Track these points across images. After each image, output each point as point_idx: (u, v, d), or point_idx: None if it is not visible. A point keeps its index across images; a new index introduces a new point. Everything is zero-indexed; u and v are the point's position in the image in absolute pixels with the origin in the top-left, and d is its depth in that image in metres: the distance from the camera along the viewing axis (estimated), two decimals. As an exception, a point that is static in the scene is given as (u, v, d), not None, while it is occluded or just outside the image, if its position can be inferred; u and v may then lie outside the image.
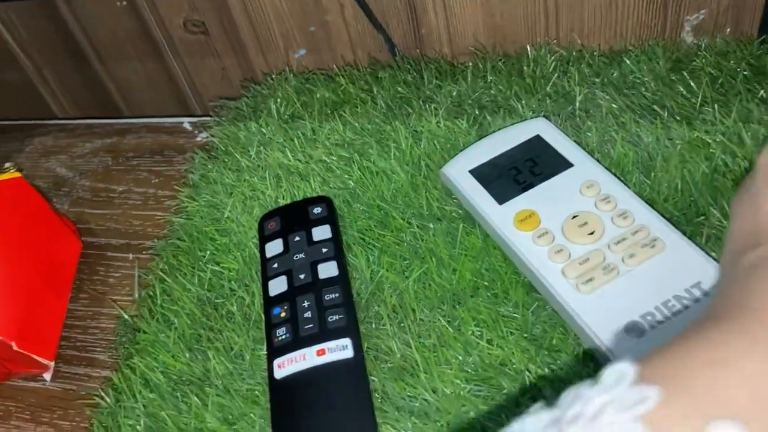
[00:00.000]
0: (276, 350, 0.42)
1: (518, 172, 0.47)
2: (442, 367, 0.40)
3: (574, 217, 0.43)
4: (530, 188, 0.45)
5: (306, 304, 0.43)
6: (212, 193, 0.54)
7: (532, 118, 0.51)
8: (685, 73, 0.51)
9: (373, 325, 0.43)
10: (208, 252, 0.50)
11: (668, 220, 0.41)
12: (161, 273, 0.50)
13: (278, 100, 0.60)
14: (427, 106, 0.55)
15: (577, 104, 0.51)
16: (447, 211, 0.48)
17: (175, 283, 0.48)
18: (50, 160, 0.68)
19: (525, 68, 0.56)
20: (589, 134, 0.49)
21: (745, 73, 0.49)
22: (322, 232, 0.48)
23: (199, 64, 0.67)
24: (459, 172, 0.48)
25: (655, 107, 0.49)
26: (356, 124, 0.55)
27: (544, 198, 0.45)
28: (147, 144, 0.66)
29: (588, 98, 0.52)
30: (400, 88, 0.57)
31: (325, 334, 0.42)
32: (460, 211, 0.47)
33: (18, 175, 0.54)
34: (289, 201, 0.52)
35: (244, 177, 0.54)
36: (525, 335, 0.40)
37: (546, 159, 0.47)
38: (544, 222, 0.43)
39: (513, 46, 0.59)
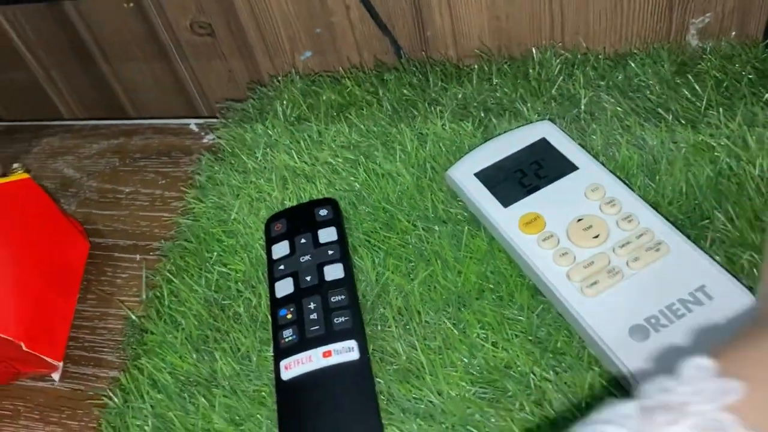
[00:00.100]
0: (282, 352, 0.42)
1: (523, 175, 0.47)
2: (448, 369, 0.40)
3: (579, 220, 0.43)
4: (535, 191, 0.46)
5: (312, 305, 0.44)
6: (219, 195, 0.54)
7: (537, 121, 0.51)
8: (690, 77, 0.51)
9: (379, 327, 0.43)
10: (215, 253, 0.50)
11: (673, 223, 0.42)
12: (168, 274, 0.50)
13: (284, 102, 0.60)
14: (432, 108, 0.55)
15: (582, 107, 0.52)
16: (452, 213, 0.48)
17: (182, 284, 0.49)
18: (57, 160, 0.68)
19: (530, 71, 0.56)
20: (594, 137, 0.49)
21: (750, 76, 0.50)
22: (328, 234, 0.48)
23: (206, 66, 0.67)
24: (464, 174, 0.48)
25: (660, 110, 0.49)
26: (362, 127, 0.56)
27: (549, 201, 0.45)
28: (154, 145, 0.66)
29: (593, 101, 0.52)
30: (405, 91, 0.58)
31: (331, 335, 0.42)
32: (466, 214, 0.48)
33: (26, 176, 0.55)
34: (295, 203, 0.52)
35: (250, 179, 0.55)
36: (530, 338, 0.40)
37: (551, 162, 0.47)
38: (549, 225, 0.43)
39: (518, 48, 0.59)
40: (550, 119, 0.51)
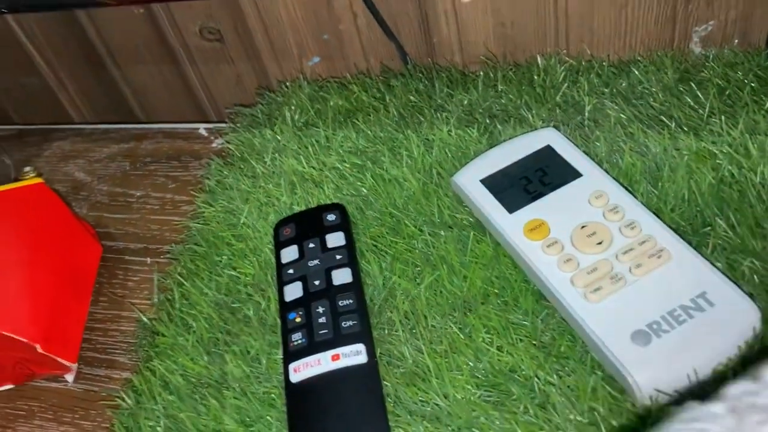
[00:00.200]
0: (292, 354, 0.43)
1: (528, 182, 0.48)
2: (454, 373, 0.41)
3: (583, 227, 0.44)
4: (540, 198, 0.46)
5: (321, 309, 0.45)
6: (228, 199, 0.55)
7: (541, 127, 0.52)
8: (693, 84, 0.52)
9: (386, 331, 0.44)
10: (225, 257, 0.51)
11: (675, 230, 0.42)
12: (179, 277, 0.51)
13: (292, 107, 0.61)
14: (438, 114, 0.56)
15: (586, 114, 0.52)
16: (458, 218, 0.49)
17: (192, 287, 0.50)
18: (68, 164, 0.69)
19: (535, 78, 0.57)
20: (598, 144, 0.50)
21: (752, 84, 0.50)
22: (336, 239, 0.49)
23: (215, 71, 0.68)
24: (470, 181, 0.49)
25: (663, 118, 0.50)
26: (369, 132, 0.57)
27: (553, 207, 0.46)
28: (164, 149, 0.67)
29: (597, 108, 0.53)
30: (412, 97, 0.58)
31: (339, 339, 0.43)
32: (471, 219, 0.48)
33: (40, 180, 0.56)
34: (303, 207, 0.53)
35: (259, 183, 0.55)
36: (534, 342, 0.41)
37: (555, 169, 0.48)
38: (554, 231, 0.44)
39: (523, 55, 0.60)
40: (554, 126, 0.51)
